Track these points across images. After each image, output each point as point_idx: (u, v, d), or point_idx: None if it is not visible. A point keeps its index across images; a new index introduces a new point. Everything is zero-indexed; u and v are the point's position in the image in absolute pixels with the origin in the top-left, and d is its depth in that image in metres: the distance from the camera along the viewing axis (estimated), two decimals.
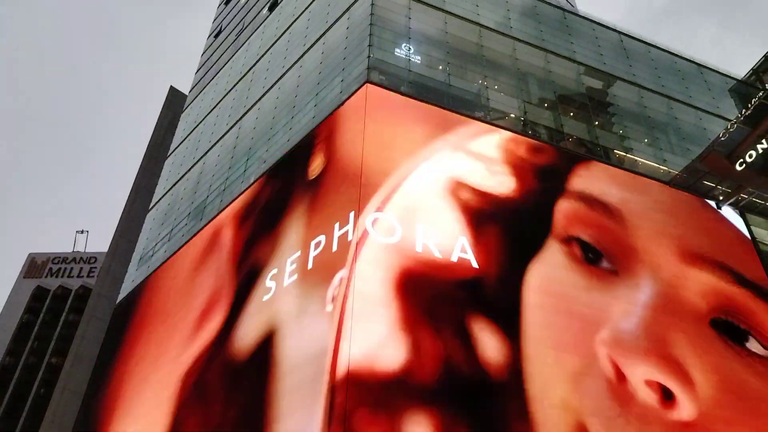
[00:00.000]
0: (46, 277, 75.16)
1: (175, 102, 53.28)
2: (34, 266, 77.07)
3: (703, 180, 24.92)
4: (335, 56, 25.32)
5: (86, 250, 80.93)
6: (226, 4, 52.88)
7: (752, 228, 24.24)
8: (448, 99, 22.47)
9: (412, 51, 23.48)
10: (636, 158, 25.28)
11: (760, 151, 23.33)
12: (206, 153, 33.88)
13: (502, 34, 27.02)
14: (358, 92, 21.29)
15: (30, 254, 78.65)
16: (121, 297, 32.48)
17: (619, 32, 31.15)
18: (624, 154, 25.48)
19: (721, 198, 24.83)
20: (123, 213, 46.04)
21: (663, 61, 31.22)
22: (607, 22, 31.51)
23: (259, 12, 41.47)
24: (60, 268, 76.69)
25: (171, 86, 54.66)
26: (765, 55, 30.77)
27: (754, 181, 24.23)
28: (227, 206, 26.68)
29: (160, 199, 36.63)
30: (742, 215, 24.66)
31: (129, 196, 47.20)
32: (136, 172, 48.78)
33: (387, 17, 24.63)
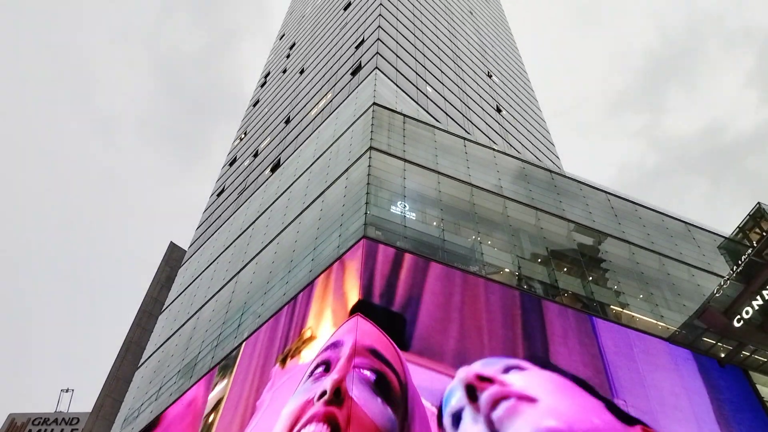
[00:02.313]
0: None
1: (173, 257, 54.03)
2: (14, 427, 73.12)
3: (703, 337, 24.64)
4: (333, 213, 26.18)
5: (70, 410, 77.34)
6: (230, 165, 55.58)
7: (757, 387, 23.51)
8: (443, 254, 22.87)
9: (407, 208, 24.34)
10: (633, 314, 25.17)
11: (756, 307, 23.34)
12: (201, 308, 33.70)
13: (493, 193, 28.18)
14: (355, 246, 21.73)
15: (10, 414, 75.02)
16: None
17: (606, 192, 32.49)
18: (621, 309, 25.42)
19: (722, 355, 24.37)
20: (111, 370, 44.69)
21: (651, 219, 32.22)
22: (593, 183, 32.98)
23: (262, 173, 43.49)
24: (40, 430, 72.75)
25: (171, 242, 55.76)
26: (749, 213, 31.90)
27: (754, 337, 23.94)
28: (217, 363, 26.01)
29: (150, 355, 35.77)
30: (745, 373, 24.03)
31: (119, 352, 46.12)
32: (128, 328, 48.10)
33: (383, 177, 25.84)
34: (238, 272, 32.34)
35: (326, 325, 20.17)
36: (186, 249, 51.03)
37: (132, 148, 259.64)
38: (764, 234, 31.32)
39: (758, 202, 31.94)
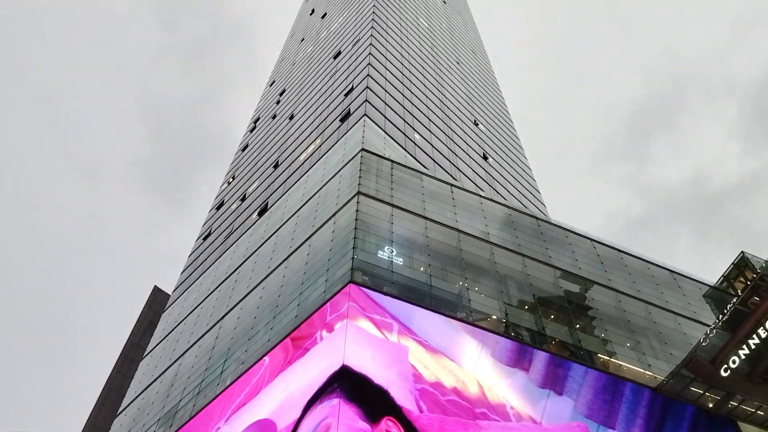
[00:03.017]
0: None
1: (157, 302, 53.27)
2: None
3: (691, 386, 24.45)
4: (320, 258, 26.07)
5: None
6: (217, 209, 55.48)
7: None
8: (430, 299, 22.75)
9: (394, 253, 24.31)
10: (621, 363, 25.01)
11: (743, 356, 23.27)
12: (183, 354, 33.06)
13: (480, 239, 28.26)
14: (341, 291, 21.58)
15: None
16: None
17: (592, 239, 32.70)
18: (608, 358, 25.26)
19: (711, 406, 24.17)
20: (89, 419, 43.42)
21: (637, 267, 32.37)
22: (579, 230, 33.22)
23: (249, 216, 43.41)
24: None
25: (155, 286, 55.06)
26: (733, 262, 32.16)
27: (741, 387, 23.79)
28: (200, 411, 25.36)
29: (130, 403, 34.83)
30: (734, 424, 23.80)
31: (98, 399, 44.92)
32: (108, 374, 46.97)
33: (371, 222, 25.88)
34: (223, 317, 31.89)
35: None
36: (170, 293, 50.37)
37: (118, 193, 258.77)
38: (748, 283, 31.52)
39: (741, 251, 32.25)
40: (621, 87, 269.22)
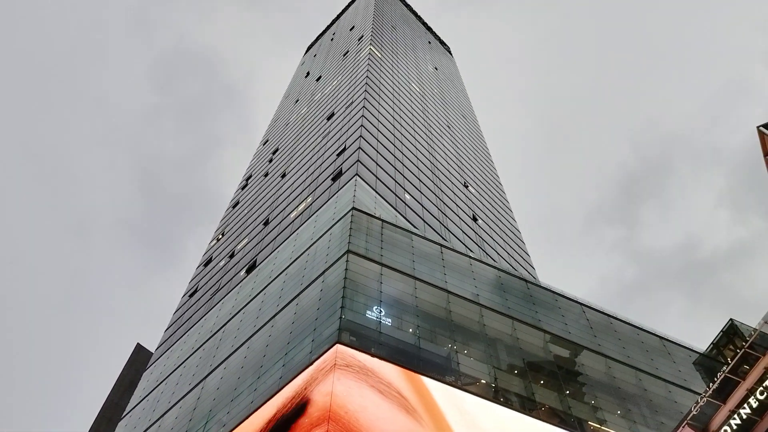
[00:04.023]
0: None
1: (139, 360, 52.06)
2: None
3: None
4: (307, 317, 25.72)
5: None
6: (205, 265, 55.03)
7: None
8: (419, 362, 22.38)
9: (383, 313, 24.05)
10: (611, 431, 24.50)
11: (735, 426, 22.90)
12: (164, 415, 32.05)
13: (470, 301, 28.09)
14: (327, 352, 21.19)
15: None
16: None
17: (581, 304, 32.59)
18: (598, 426, 24.75)
19: None
20: None
21: (626, 333, 32.16)
22: (568, 294, 33.14)
23: (237, 273, 43.04)
24: None
25: (137, 343, 53.95)
26: (722, 329, 32.05)
27: None
28: None
29: None
30: None
31: None
32: None
33: (360, 282, 25.71)
34: (206, 377, 31.12)
35: None
36: (153, 351, 49.29)
37: (105, 250, 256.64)
38: (738, 351, 31.34)
39: (730, 319, 32.21)
40: (610, 153, 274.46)
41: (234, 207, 66.04)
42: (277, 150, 71.54)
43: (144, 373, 43.48)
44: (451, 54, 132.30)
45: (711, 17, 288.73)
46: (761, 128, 23.60)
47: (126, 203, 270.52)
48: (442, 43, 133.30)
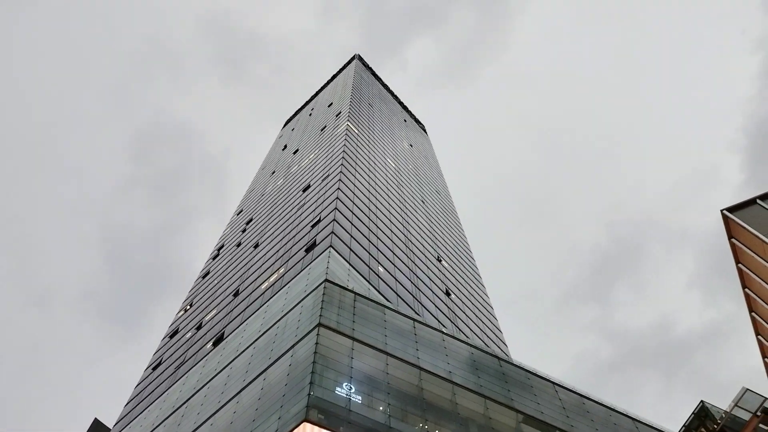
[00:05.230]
0: None
1: None
2: None
3: None
4: (275, 393, 24.86)
5: None
6: (171, 337, 53.44)
7: None
8: None
9: (353, 390, 23.37)
10: None
11: None
12: None
13: (442, 378, 27.54)
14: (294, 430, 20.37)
15: None
16: None
17: (553, 383, 32.18)
18: None
19: None
20: None
21: (599, 414, 31.68)
22: (541, 373, 32.75)
23: (203, 346, 41.81)
24: None
25: (95, 419, 51.38)
26: (694, 411, 31.84)
27: None
28: None
29: None
30: None
31: None
32: None
33: (330, 356, 25.10)
34: None
35: None
36: (111, 427, 46.92)
37: (69, 322, 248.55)
38: None
39: (701, 401, 32.06)
40: (584, 233, 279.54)
41: (204, 277, 64.96)
42: (251, 220, 71.35)
43: None
44: (425, 132, 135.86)
45: (679, 106, 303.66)
46: (725, 212, 24.29)
47: (92, 275, 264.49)
48: (418, 121, 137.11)
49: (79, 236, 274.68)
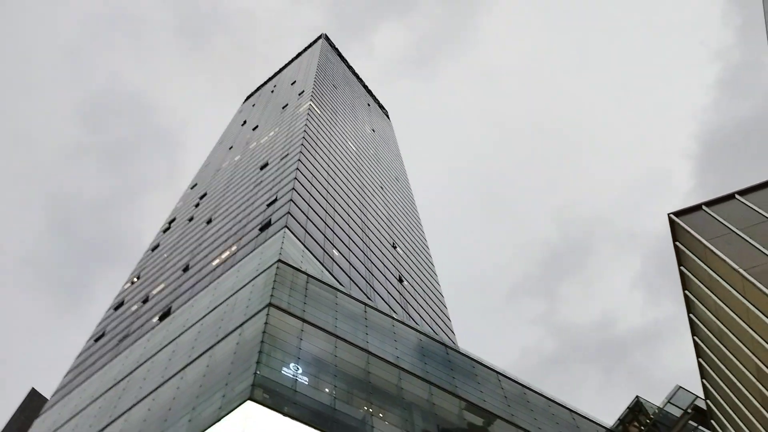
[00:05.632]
0: None
1: (31, 407, 48.23)
2: None
3: None
4: (220, 371, 24.65)
5: None
6: (116, 309, 52.32)
7: None
8: (332, 423, 21.73)
9: (300, 371, 23.37)
10: None
11: None
12: None
13: (390, 363, 27.79)
14: (238, 408, 20.26)
15: None
16: None
17: (497, 372, 32.87)
18: None
19: None
20: None
21: (539, 405, 32.54)
22: (486, 362, 33.40)
23: (149, 320, 41.08)
24: None
25: (32, 388, 50.10)
26: (629, 406, 33.04)
27: None
28: None
29: None
30: None
31: None
32: None
33: (279, 336, 25.01)
34: (103, 429, 29.04)
35: None
36: (48, 398, 45.76)
37: (6, 288, 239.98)
38: (642, 428, 32.27)
39: (636, 396, 33.28)
40: (536, 229, 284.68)
41: (153, 250, 63.65)
42: (205, 195, 70.11)
43: (36, 421, 40.17)
44: (388, 118, 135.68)
45: (637, 111, 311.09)
46: (672, 215, 25.08)
47: (34, 242, 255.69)
48: (381, 106, 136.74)
49: (23, 201, 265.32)
